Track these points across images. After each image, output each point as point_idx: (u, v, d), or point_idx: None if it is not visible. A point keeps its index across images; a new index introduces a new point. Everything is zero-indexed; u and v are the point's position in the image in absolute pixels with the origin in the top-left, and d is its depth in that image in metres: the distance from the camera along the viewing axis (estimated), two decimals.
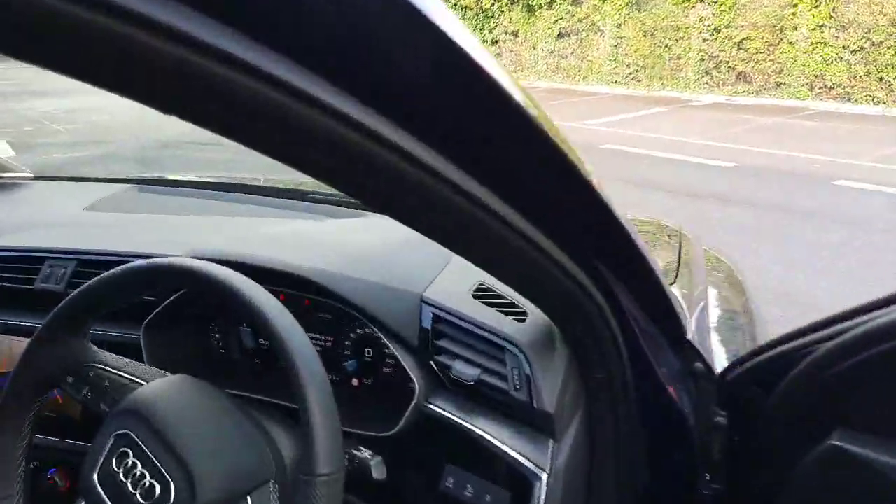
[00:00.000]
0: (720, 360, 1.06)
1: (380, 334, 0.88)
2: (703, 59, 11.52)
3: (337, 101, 0.32)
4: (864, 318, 0.67)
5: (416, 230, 0.51)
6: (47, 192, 1.58)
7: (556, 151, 0.48)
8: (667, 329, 0.92)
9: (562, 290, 0.67)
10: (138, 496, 0.67)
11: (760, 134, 7.91)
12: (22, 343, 1.05)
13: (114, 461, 0.70)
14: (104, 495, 0.69)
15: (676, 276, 1.26)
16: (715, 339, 1.13)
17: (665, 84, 12.09)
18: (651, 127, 8.47)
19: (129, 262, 0.76)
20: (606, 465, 0.88)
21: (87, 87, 0.27)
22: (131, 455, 0.69)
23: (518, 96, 0.41)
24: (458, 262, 1.00)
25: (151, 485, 0.67)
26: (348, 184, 0.42)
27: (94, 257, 1.04)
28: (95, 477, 0.70)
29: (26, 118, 8.25)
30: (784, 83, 10.62)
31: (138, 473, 0.68)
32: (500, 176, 0.49)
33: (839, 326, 0.68)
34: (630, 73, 12.53)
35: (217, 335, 1.06)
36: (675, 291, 1.15)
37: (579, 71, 13.30)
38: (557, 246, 0.62)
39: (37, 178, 1.67)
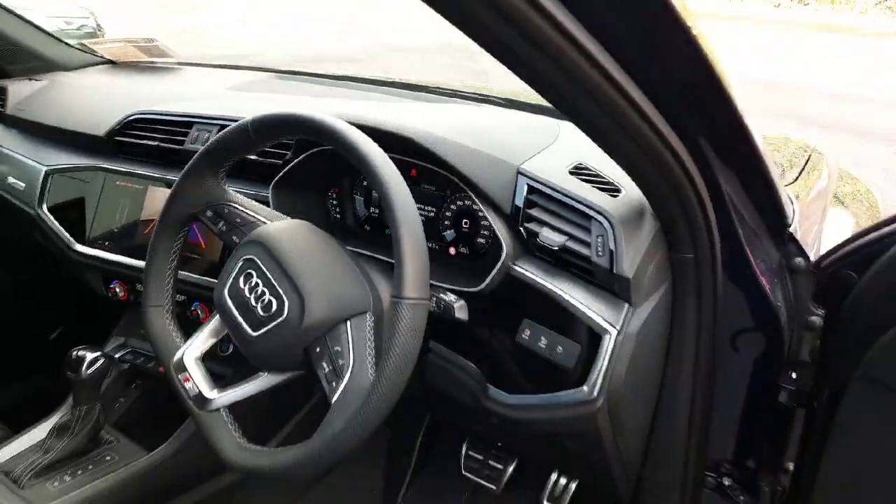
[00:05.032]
0: None
1: (478, 205, 0.93)
2: None
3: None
4: None
5: (551, 97, 0.57)
6: (197, 75, 1.76)
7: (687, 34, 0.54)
8: (769, 220, 0.90)
9: (661, 163, 0.68)
10: (259, 309, 0.79)
11: None
12: None
13: (241, 280, 0.82)
14: (233, 307, 0.82)
15: (797, 178, 1.20)
16: (827, 242, 1.09)
17: (837, 8, 10.73)
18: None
19: None
20: (686, 342, 0.89)
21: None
22: (255, 276, 0.81)
23: None
24: (561, 145, 1.02)
25: (270, 301, 0.78)
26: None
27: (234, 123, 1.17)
28: (226, 292, 0.83)
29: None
30: None
31: (259, 291, 0.80)
32: (631, 52, 0.55)
33: None
34: None
35: (334, 202, 1.16)
36: (789, 190, 1.11)
37: None
38: (666, 120, 0.64)
39: (188, 64, 1.86)
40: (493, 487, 1.49)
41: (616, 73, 0.55)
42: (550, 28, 0.47)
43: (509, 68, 0.53)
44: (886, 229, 0.74)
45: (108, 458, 1.15)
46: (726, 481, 1.04)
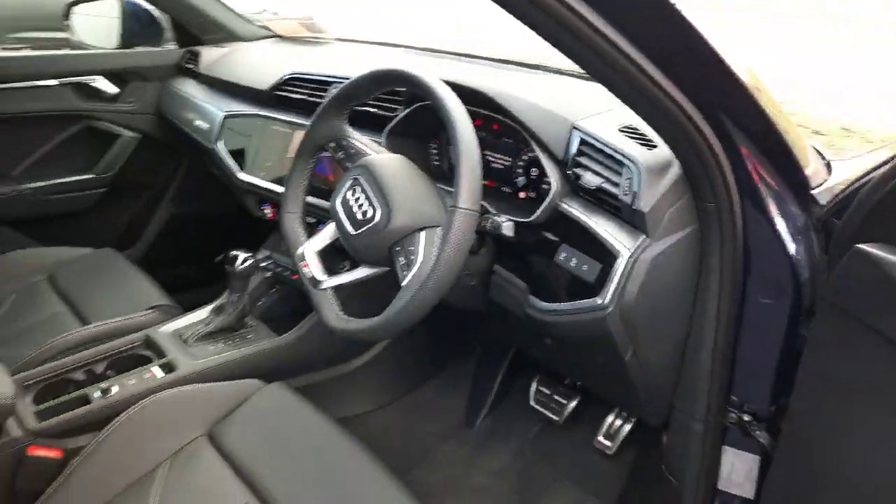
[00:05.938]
0: None
1: (539, 154, 1.14)
2: None
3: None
4: None
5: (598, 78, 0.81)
6: (344, 47, 2.09)
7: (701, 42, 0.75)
8: (791, 182, 1.02)
9: (681, 128, 0.87)
10: (359, 215, 1.05)
11: None
12: None
13: (349, 193, 1.09)
14: (341, 212, 1.10)
15: (859, 156, 1.27)
16: None
17: None
18: None
19: None
20: (710, 280, 1.04)
21: None
22: (359, 191, 1.07)
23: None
24: (619, 111, 1.19)
25: (367, 209, 1.04)
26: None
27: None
28: (338, 201, 1.11)
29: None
30: None
31: (361, 202, 1.06)
32: (661, 52, 0.77)
33: None
34: None
35: (434, 151, 1.42)
36: (852, 164, 1.19)
37: None
38: (686, 97, 0.82)
39: (339, 39, 2.20)
40: (557, 419, 1.69)
41: (638, 58, 0.76)
42: (586, 27, 0.69)
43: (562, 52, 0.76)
44: (868, 177, 0.84)
45: (249, 336, 1.50)
46: (747, 418, 1.16)
